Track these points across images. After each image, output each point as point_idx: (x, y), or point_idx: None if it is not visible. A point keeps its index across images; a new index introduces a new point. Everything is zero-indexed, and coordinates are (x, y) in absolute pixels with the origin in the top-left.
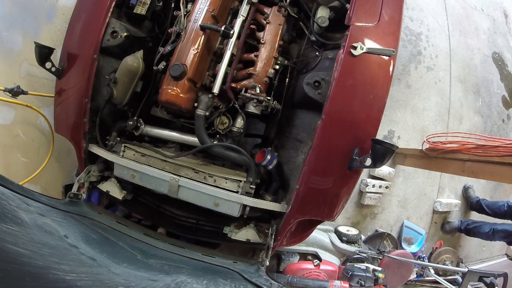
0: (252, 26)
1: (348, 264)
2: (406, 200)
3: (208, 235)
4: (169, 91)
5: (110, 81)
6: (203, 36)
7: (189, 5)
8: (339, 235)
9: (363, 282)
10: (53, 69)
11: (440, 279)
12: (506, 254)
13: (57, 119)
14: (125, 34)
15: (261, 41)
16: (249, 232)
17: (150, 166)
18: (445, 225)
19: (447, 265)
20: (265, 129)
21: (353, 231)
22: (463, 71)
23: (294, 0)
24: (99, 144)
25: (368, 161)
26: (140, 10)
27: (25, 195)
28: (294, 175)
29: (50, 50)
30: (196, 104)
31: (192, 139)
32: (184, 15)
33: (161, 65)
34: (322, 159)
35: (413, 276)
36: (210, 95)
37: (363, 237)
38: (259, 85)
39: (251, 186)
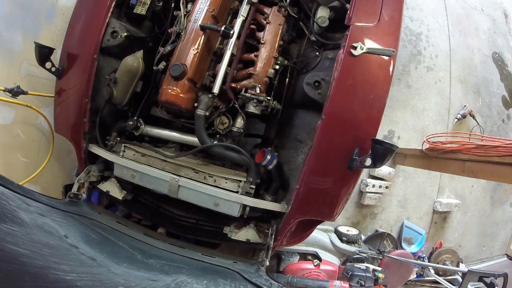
0: (252, 26)
1: (348, 264)
2: (406, 200)
3: (208, 235)
4: (169, 91)
5: (110, 81)
6: (203, 36)
7: (189, 5)
8: (339, 235)
9: (363, 282)
10: (53, 69)
11: (440, 279)
12: (506, 254)
13: (57, 119)
14: (125, 34)
15: (261, 41)
16: (249, 232)
17: (150, 166)
18: None
19: (447, 265)
20: (265, 129)
21: (353, 231)
22: (463, 71)
23: (294, 0)
24: (99, 144)
25: (368, 161)
26: (140, 10)
27: (25, 195)
28: (294, 175)
29: (50, 50)
30: (196, 104)
31: (192, 139)
32: (184, 15)
33: (161, 65)
34: (322, 159)
35: (413, 276)
36: (210, 95)
37: (363, 237)
38: (259, 85)
39: (251, 186)
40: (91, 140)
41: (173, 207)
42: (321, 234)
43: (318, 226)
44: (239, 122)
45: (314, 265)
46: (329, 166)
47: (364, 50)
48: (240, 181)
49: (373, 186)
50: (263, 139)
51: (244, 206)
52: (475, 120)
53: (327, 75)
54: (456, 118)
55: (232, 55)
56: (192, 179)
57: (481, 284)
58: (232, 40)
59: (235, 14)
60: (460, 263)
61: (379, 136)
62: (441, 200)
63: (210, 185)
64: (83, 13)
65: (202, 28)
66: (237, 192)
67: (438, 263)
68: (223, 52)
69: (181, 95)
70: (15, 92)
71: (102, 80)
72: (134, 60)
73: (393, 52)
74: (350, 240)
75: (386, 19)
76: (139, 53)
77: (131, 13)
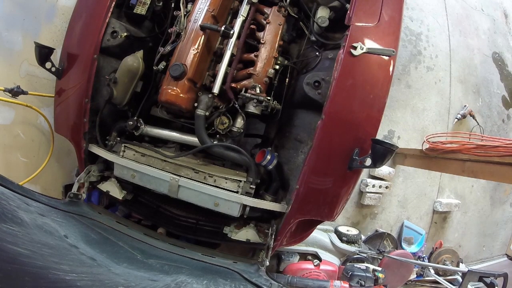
0: (252, 26)
1: (348, 264)
2: (406, 200)
3: (208, 235)
4: (169, 91)
5: (110, 81)
6: (203, 36)
7: (189, 5)
8: (339, 235)
9: (363, 282)
10: (53, 69)
11: (440, 279)
12: (506, 254)
13: (57, 119)
14: (125, 34)
15: (261, 41)
16: (249, 232)
17: (150, 166)
18: None
19: (447, 265)
20: (265, 129)
21: (353, 231)
22: (463, 71)
23: (294, 0)
24: (99, 144)
25: (368, 161)
26: (140, 10)
27: (25, 195)
28: (294, 175)
29: (50, 50)
30: (196, 104)
31: (192, 139)
32: (184, 15)
33: (161, 65)
34: (322, 159)
35: (413, 276)
36: (210, 95)
37: (363, 237)
38: (259, 85)
39: (251, 186)
40: (91, 140)
41: (173, 207)
42: (321, 234)
43: (318, 226)
44: (239, 122)
45: (314, 265)
46: (329, 166)
47: (364, 50)
48: (240, 181)
49: (373, 186)
50: (263, 139)
51: (244, 206)
52: (475, 120)
53: (327, 75)
54: (456, 118)
55: (232, 55)
56: (192, 179)
57: (481, 284)
58: (232, 40)
59: (235, 14)
60: (460, 263)
61: (379, 136)
62: (441, 200)
63: (210, 185)
64: (83, 13)
65: (202, 28)
66: (237, 192)
67: (438, 263)
68: (223, 52)
69: (181, 95)
70: (15, 92)
71: (102, 80)
72: (134, 60)
73: (393, 52)
74: (350, 240)
75: (386, 19)
76: (139, 53)
77: (131, 13)
